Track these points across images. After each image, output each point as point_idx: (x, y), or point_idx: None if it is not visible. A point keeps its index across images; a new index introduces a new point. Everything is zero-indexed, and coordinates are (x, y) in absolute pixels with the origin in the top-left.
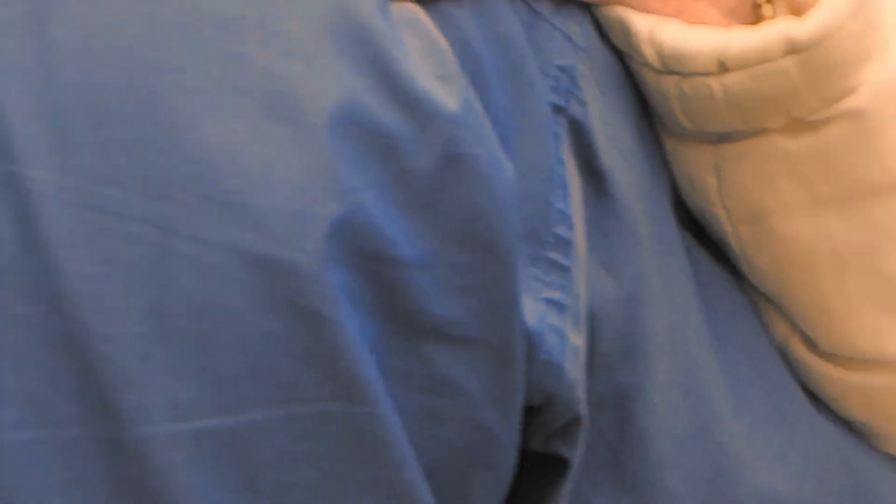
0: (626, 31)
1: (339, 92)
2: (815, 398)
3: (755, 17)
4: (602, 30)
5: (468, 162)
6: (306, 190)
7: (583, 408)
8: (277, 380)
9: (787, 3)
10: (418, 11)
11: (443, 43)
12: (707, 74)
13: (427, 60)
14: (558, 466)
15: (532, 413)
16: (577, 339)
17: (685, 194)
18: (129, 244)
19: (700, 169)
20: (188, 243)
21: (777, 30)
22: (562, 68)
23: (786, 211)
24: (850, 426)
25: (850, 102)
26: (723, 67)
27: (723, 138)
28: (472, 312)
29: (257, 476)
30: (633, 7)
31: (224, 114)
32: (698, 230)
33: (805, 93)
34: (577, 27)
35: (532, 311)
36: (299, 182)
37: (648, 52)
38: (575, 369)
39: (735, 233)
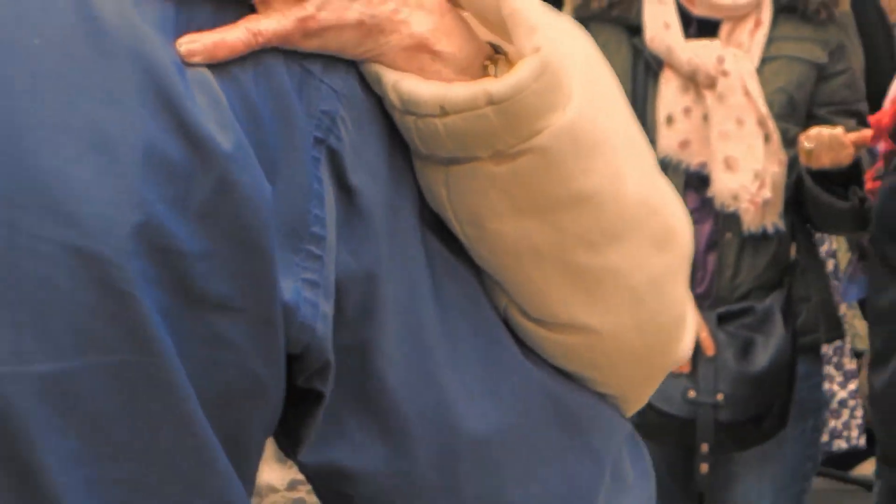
0: (378, 82)
1: (143, 133)
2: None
3: (483, 75)
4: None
5: (237, 186)
6: (115, 202)
7: (331, 355)
8: (92, 336)
9: (507, 65)
10: (208, 74)
11: (223, 99)
12: (433, 116)
13: (210, 111)
14: (318, 398)
15: (295, 360)
16: (327, 307)
17: (429, 201)
18: None
19: (435, 183)
20: (29, 238)
21: (481, 86)
22: (325, 112)
23: (495, 216)
24: (561, 373)
25: (537, 141)
26: (443, 111)
27: (451, 161)
28: (241, 291)
29: (92, 418)
30: (386, 65)
31: (59, 147)
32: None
33: (502, 132)
34: (340, 81)
35: (289, 288)
36: (111, 197)
37: (393, 98)
38: (324, 328)
39: (462, 230)
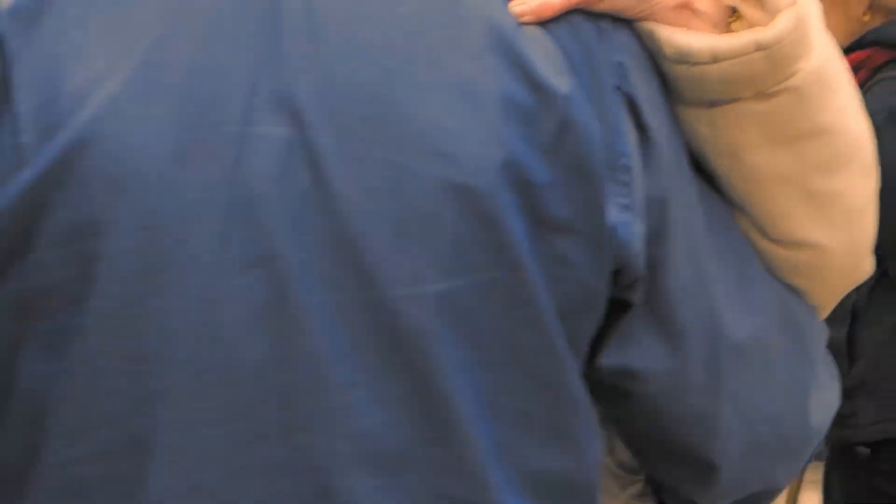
0: (651, 37)
1: (499, 84)
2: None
3: (728, 30)
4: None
5: (575, 124)
6: (484, 143)
7: (642, 270)
8: (470, 259)
9: (744, 23)
10: (538, 30)
11: (553, 50)
12: (705, 63)
13: (546, 62)
14: (624, 308)
15: (615, 274)
16: (639, 228)
17: (689, 140)
18: (381, 179)
19: (698, 122)
20: (415, 178)
21: (750, 36)
22: (619, 62)
23: (751, 148)
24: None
25: (792, 81)
26: (715, 58)
27: (713, 104)
28: (579, 215)
29: (473, 330)
30: (659, 22)
31: (433, 99)
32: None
33: (766, 75)
34: (625, 37)
35: (612, 211)
36: (480, 139)
37: (668, 50)
38: (638, 246)
39: (719, 163)
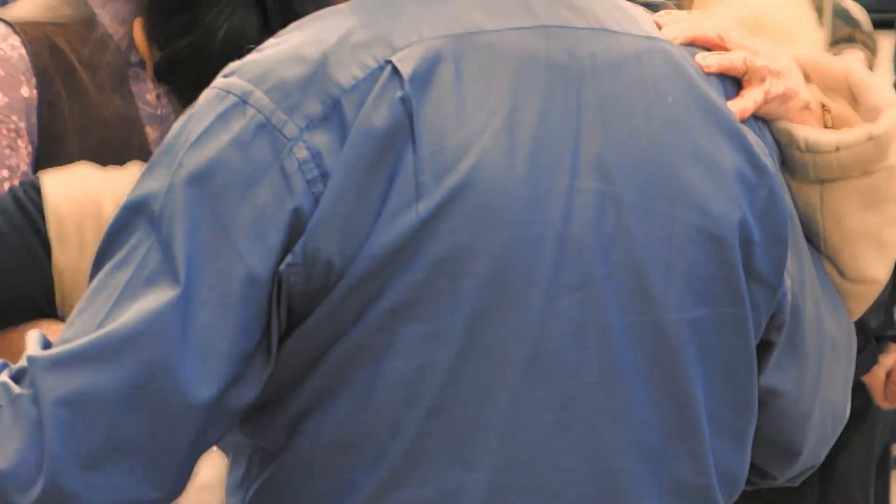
0: (789, 133)
1: (734, 161)
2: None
3: (822, 122)
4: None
5: (777, 197)
6: (727, 204)
7: (787, 316)
8: (714, 293)
9: (832, 116)
10: (745, 124)
11: (756, 138)
12: (830, 152)
13: (757, 146)
14: (769, 346)
15: (771, 318)
16: (789, 282)
17: (799, 209)
18: (660, 226)
19: (812, 196)
20: (684, 226)
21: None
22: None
23: (851, 213)
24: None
25: (889, 161)
26: (837, 149)
27: (825, 181)
28: (771, 271)
29: (708, 350)
30: (789, 120)
31: (691, 167)
32: None
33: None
34: (769, 132)
35: (788, 278)
36: (725, 200)
37: (801, 142)
38: (789, 296)
39: (823, 225)
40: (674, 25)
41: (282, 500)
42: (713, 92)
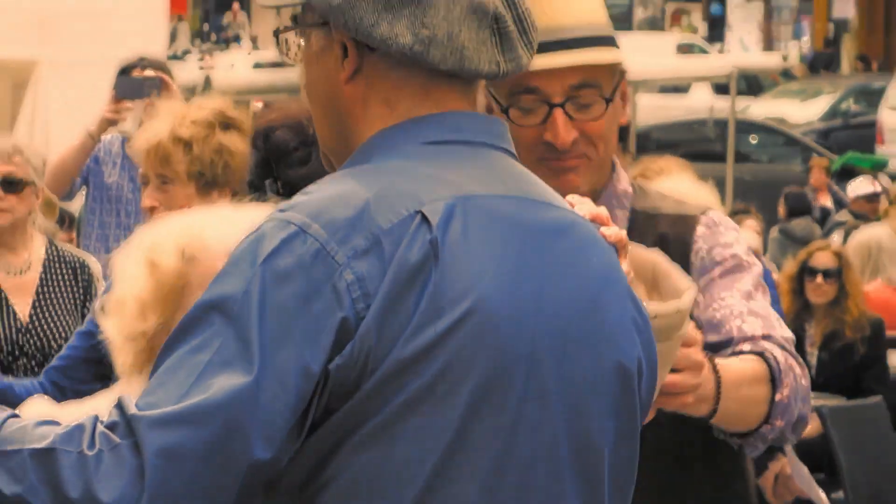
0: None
1: (629, 308)
2: None
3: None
4: None
5: (651, 336)
6: (632, 344)
7: None
8: (620, 410)
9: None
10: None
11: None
12: (651, 318)
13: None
14: None
15: None
16: None
17: None
18: (589, 357)
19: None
20: (602, 357)
21: (674, 304)
22: None
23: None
24: None
25: (681, 332)
26: (655, 317)
27: (658, 340)
28: (647, 396)
29: (613, 451)
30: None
31: (613, 315)
32: None
33: (675, 328)
34: None
35: None
36: (630, 342)
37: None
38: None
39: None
40: (581, 205)
41: None
42: (614, 255)
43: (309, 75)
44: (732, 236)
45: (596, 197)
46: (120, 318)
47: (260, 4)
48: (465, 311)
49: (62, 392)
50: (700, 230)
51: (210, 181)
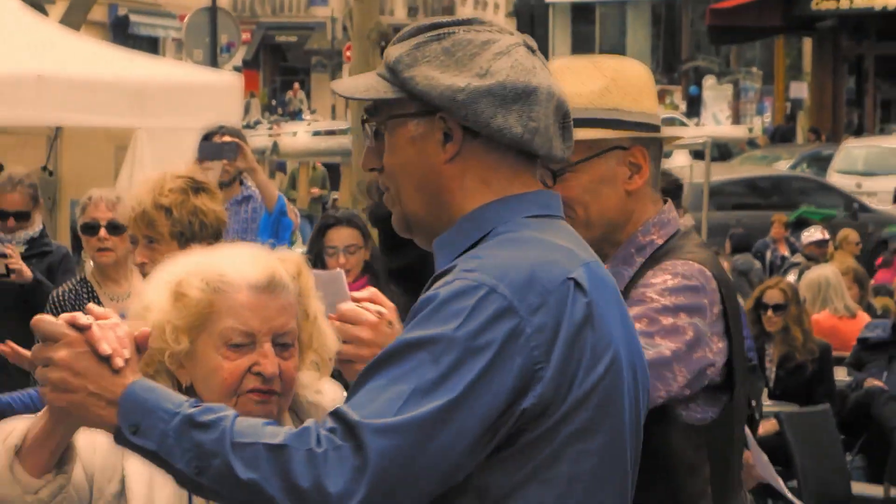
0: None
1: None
2: None
3: None
4: None
5: None
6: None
7: None
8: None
9: None
10: None
11: None
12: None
13: None
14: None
15: None
16: None
17: None
18: (633, 358)
19: None
20: (635, 357)
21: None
22: None
23: None
24: None
25: None
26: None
27: None
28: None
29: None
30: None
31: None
32: None
33: None
34: None
35: None
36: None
37: None
38: None
39: None
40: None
41: None
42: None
43: (400, 156)
44: (659, 278)
45: (609, 249)
46: (155, 342)
47: (353, 97)
48: (610, 359)
49: None
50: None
51: (189, 237)
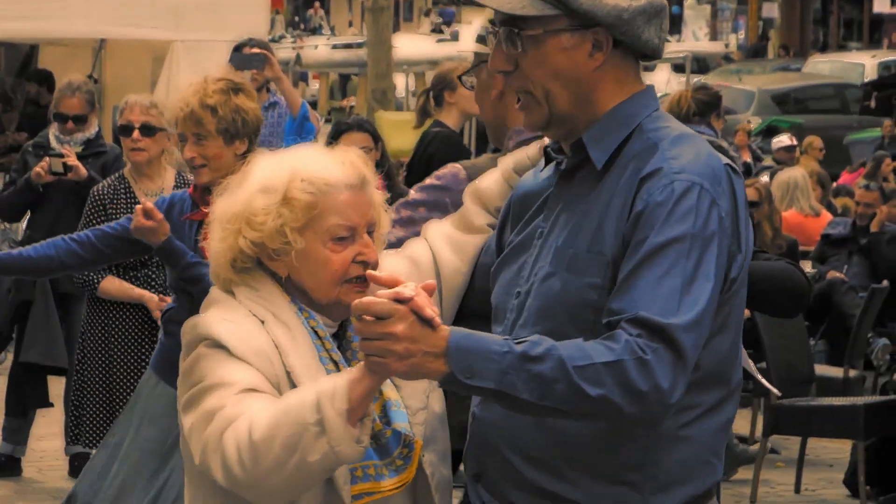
0: None
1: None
2: None
3: None
4: None
5: None
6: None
7: None
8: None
9: None
10: None
11: None
12: None
13: None
14: None
15: None
16: None
17: None
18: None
19: None
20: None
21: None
22: None
23: None
24: None
25: None
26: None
27: None
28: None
29: None
30: None
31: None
32: None
33: None
34: None
35: None
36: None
37: None
38: None
39: None
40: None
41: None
42: None
43: (552, 64)
44: None
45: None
46: (268, 241)
47: (516, 13)
48: (749, 238)
49: (83, 248)
50: None
51: (233, 134)
